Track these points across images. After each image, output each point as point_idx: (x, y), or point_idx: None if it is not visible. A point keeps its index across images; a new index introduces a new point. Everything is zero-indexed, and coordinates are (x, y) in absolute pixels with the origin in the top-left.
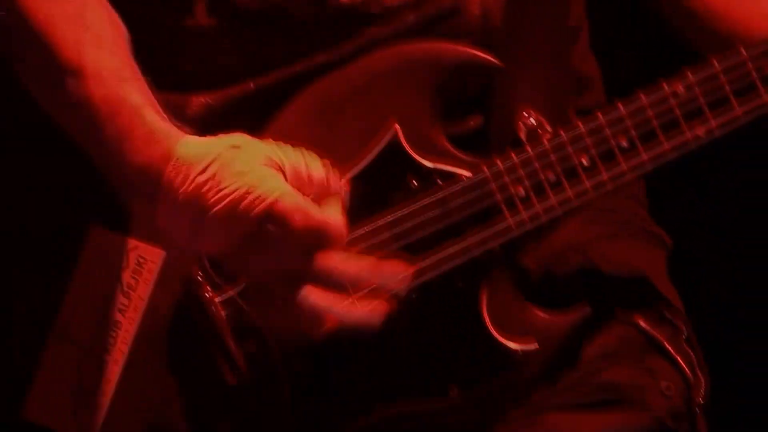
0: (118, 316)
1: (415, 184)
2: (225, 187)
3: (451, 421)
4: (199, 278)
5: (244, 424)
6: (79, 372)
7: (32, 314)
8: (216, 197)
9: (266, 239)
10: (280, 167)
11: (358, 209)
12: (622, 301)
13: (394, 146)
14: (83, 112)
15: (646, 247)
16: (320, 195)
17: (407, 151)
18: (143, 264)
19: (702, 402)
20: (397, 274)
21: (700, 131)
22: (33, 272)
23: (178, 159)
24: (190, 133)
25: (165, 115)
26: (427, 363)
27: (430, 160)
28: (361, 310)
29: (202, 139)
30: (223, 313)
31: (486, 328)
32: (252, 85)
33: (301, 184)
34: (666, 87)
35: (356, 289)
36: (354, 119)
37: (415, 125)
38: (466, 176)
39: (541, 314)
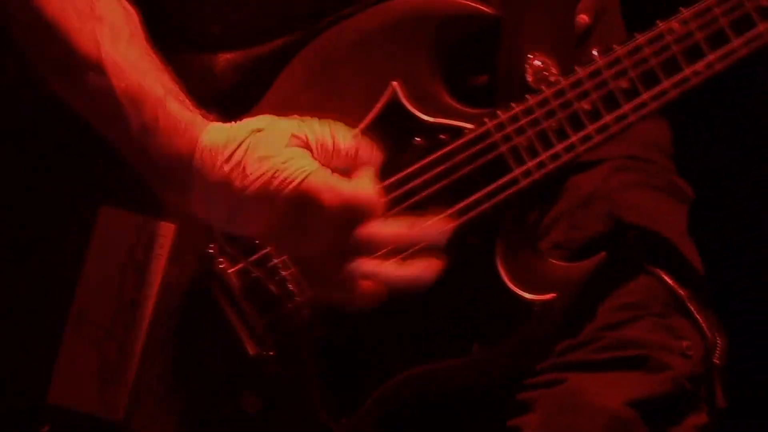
0: (134, 294)
1: (419, 141)
2: (250, 173)
3: (475, 378)
4: (211, 251)
5: (269, 392)
6: (101, 352)
7: (48, 300)
8: (243, 183)
9: (301, 220)
10: (306, 144)
11: None
12: (646, 252)
13: (395, 104)
14: (106, 105)
15: (671, 204)
16: (351, 166)
17: (408, 109)
18: (155, 240)
19: (719, 364)
20: (436, 228)
21: (700, 66)
22: (45, 259)
23: (203, 148)
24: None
25: (189, 103)
26: (447, 321)
27: (432, 116)
28: (415, 268)
29: (226, 125)
30: (237, 283)
31: (503, 282)
32: (280, 42)
33: (328, 157)
34: (661, 25)
35: (400, 251)
36: (352, 78)
37: (415, 82)
38: (469, 129)
39: (558, 265)
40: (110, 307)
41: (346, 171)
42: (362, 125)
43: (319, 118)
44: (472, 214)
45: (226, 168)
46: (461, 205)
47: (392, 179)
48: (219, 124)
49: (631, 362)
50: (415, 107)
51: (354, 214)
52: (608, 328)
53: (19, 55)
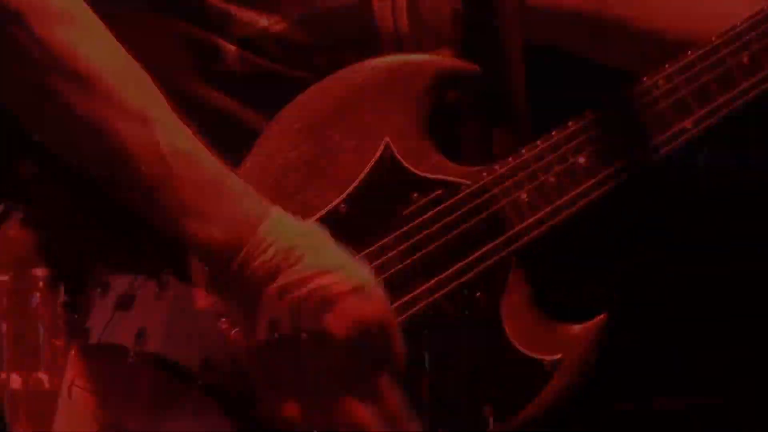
0: None
1: (416, 196)
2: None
3: None
4: None
5: None
6: None
7: None
8: (293, 270)
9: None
10: None
11: (360, 227)
12: None
13: (388, 160)
14: (153, 162)
15: None
16: None
17: (403, 165)
18: None
19: None
20: None
21: (688, 123)
22: None
23: (267, 229)
24: None
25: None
26: (456, 382)
27: (427, 172)
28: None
29: (293, 219)
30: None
31: (508, 340)
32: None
33: None
34: (647, 80)
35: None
36: (342, 135)
37: (406, 138)
38: (466, 184)
39: (562, 328)
40: None
41: None
42: (356, 180)
43: (311, 175)
44: (475, 269)
45: (282, 258)
46: (464, 261)
47: (392, 235)
48: (286, 214)
49: None
50: (409, 163)
51: (388, 343)
52: None
53: None
